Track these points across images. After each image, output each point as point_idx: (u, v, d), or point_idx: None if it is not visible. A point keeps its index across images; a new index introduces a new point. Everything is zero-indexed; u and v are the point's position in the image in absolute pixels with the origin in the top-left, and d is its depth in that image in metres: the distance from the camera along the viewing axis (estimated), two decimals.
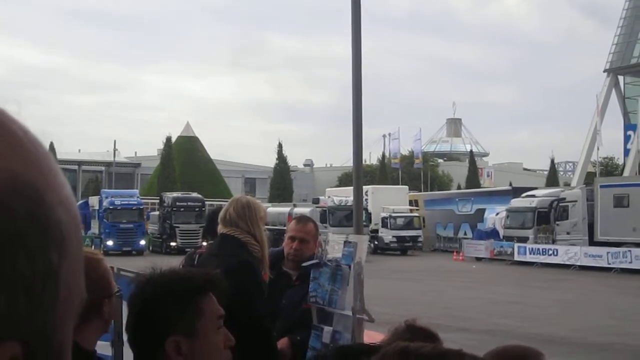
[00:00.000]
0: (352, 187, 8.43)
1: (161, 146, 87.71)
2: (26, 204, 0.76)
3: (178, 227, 58.98)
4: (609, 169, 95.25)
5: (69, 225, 0.81)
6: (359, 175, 8.24)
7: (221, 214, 5.88)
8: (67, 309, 0.81)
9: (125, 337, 8.15)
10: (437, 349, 1.31)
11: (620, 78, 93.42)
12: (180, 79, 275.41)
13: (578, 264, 44.58)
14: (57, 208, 0.79)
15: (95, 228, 61.37)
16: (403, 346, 1.31)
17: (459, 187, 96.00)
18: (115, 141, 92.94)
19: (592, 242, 47.49)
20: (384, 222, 60.59)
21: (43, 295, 0.77)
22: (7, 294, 0.74)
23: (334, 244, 6.90)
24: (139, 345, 2.77)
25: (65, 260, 0.80)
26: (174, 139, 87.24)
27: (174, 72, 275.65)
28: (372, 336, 6.63)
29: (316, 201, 61.32)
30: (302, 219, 7.06)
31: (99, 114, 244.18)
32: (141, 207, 61.52)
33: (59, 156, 71.93)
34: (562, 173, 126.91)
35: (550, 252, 47.56)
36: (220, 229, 5.86)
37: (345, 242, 6.74)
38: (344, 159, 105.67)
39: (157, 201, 65.90)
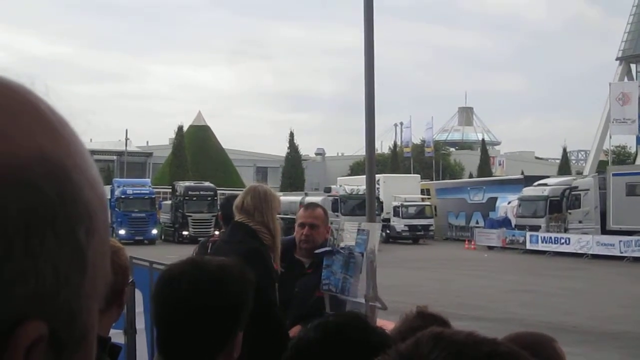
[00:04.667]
0: (363, 176, 8.44)
1: (173, 135, 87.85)
2: (54, 183, 0.76)
3: (190, 216, 59.04)
4: (622, 157, 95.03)
5: (96, 206, 0.81)
6: (372, 163, 8.25)
7: (237, 201, 5.88)
8: (93, 290, 0.82)
9: (138, 325, 8.15)
10: (472, 336, 1.31)
11: (633, 66, 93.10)
12: (190, 69, 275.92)
13: (590, 252, 44.47)
14: (85, 188, 0.80)
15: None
16: (438, 332, 1.31)
17: (470, 176, 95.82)
18: (126, 130, 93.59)
19: (605, 231, 47.31)
20: (396, 211, 60.58)
21: (70, 275, 0.77)
22: (35, 273, 0.74)
23: (347, 232, 6.91)
24: None
25: (92, 240, 0.80)
26: (185, 129, 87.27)
27: (183, 62, 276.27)
28: (384, 324, 6.64)
29: (328, 190, 61.31)
30: (310, 205, 7.07)
31: (109, 104, 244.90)
32: (153, 196, 61.63)
33: None
34: (574, 162, 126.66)
35: (563, 240, 47.45)
36: (235, 216, 5.88)
37: (358, 230, 6.75)
38: (356, 148, 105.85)
39: (169, 190, 65.96)
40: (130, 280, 3.95)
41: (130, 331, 7.82)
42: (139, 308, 7.86)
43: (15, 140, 0.75)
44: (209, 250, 6.56)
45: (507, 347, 1.30)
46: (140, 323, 7.96)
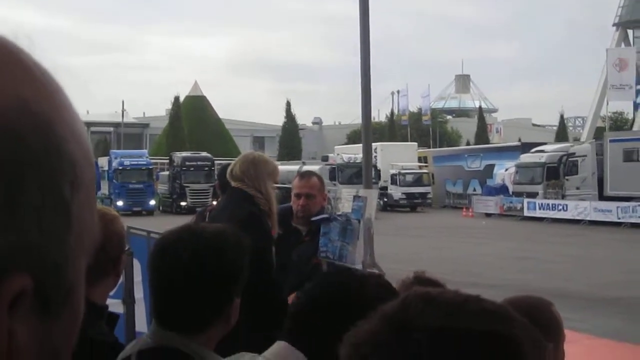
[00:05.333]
0: (361, 145, 8.45)
1: (169, 106, 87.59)
2: (38, 134, 0.75)
3: (188, 186, 59.07)
4: (619, 123, 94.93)
5: (81, 160, 0.80)
6: (368, 132, 8.25)
7: (229, 169, 5.92)
8: (79, 245, 0.80)
9: (136, 295, 8.17)
10: (459, 294, 1.31)
11: (630, 32, 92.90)
12: (187, 39, 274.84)
13: (588, 219, 44.60)
14: (69, 140, 0.78)
15: (105, 188, 61.48)
16: (425, 291, 1.31)
17: (468, 143, 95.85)
18: (123, 102, 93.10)
19: (602, 197, 47.38)
20: (393, 179, 60.68)
21: (54, 228, 0.76)
22: (17, 225, 0.73)
23: (344, 200, 6.91)
24: None
25: (77, 194, 0.79)
26: (182, 99, 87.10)
27: (180, 32, 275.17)
28: None
29: (325, 159, 61.41)
30: (305, 174, 7.04)
31: (106, 75, 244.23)
32: (150, 167, 61.67)
33: None
34: (571, 128, 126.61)
35: (560, 207, 47.55)
36: (230, 182, 5.89)
37: (354, 196, 6.75)
38: (353, 117, 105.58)
39: (167, 161, 65.95)
40: (127, 249, 3.95)
41: (128, 300, 7.83)
42: (137, 277, 7.87)
43: None
44: (206, 220, 6.57)
45: (492, 303, 1.30)
46: (139, 292, 7.97)
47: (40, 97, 0.77)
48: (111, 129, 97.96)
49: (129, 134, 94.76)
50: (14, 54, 0.77)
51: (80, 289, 0.83)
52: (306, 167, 51.06)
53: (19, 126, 0.73)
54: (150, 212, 57.68)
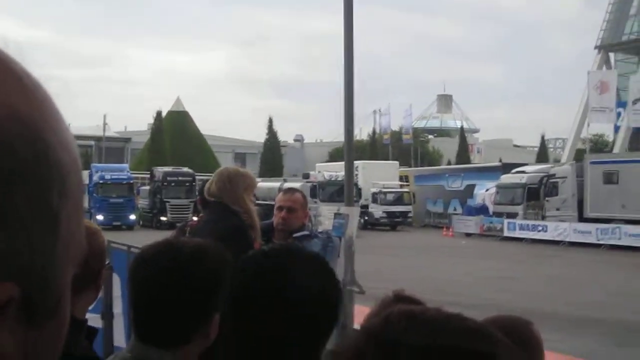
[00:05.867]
0: (342, 163, 8.46)
1: (151, 121, 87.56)
2: (27, 143, 0.74)
3: (169, 201, 58.95)
4: (599, 145, 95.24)
5: (70, 168, 0.79)
6: (350, 150, 8.26)
7: (206, 186, 5.93)
8: (67, 255, 0.80)
9: (115, 309, 8.14)
10: (441, 312, 1.33)
11: (612, 55, 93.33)
12: (170, 54, 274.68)
13: (567, 240, 44.72)
14: (58, 150, 0.77)
15: (85, 202, 60.98)
16: (408, 309, 1.32)
17: (449, 163, 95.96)
18: (105, 115, 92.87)
19: (582, 219, 47.62)
20: (374, 198, 60.73)
21: (41, 237, 0.75)
22: (5, 233, 0.72)
23: (324, 217, 6.92)
24: None
25: (65, 204, 0.78)
26: (164, 114, 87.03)
27: (163, 47, 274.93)
28: (362, 310, 6.65)
29: (306, 176, 61.29)
30: (289, 190, 7.09)
31: (88, 89, 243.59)
32: (131, 181, 61.52)
33: None
34: (552, 149, 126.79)
35: (540, 228, 47.68)
36: (208, 198, 5.90)
37: (335, 214, 6.76)
38: (335, 135, 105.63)
39: (148, 176, 65.83)
40: (107, 263, 3.94)
41: (107, 315, 7.82)
42: (117, 292, 7.85)
43: None
44: (187, 234, 6.56)
45: (473, 322, 1.32)
46: (118, 307, 7.95)
47: (30, 106, 0.76)
48: (92, 142, 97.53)
49: (111, 147, 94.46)
50: (4, 62, 0.77)
51: (66, 299, 0.82)
52: (287, 184, 51.02)
53: (8, 135, 0.72)
54: (130, 226, 57.40)
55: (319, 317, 2.24)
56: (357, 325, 6.46)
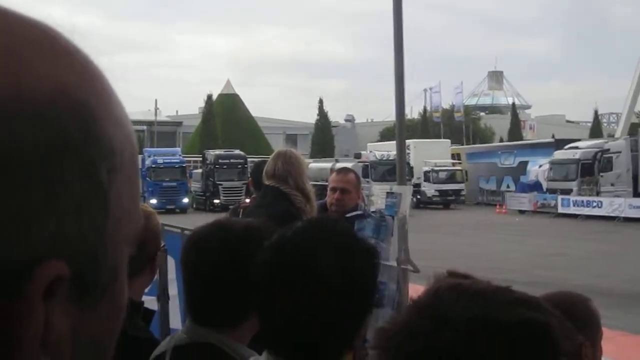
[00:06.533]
0: (393, 142, 8.43)
1: (202, 104, 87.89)
2: (75, 119, 0.74)
3: (221, 184, 59.31)
4: None
5: (122, 144, 0.79)
6: (402, 128, 8.21)
7: (268, 167, 5.90)
8: (119, 233, 0.79)
9: (170, 292, 8.21)
10: (490, 285, 1.32)
11: None
12: (218, 37, 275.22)
13: (623, 215, 44.28)
14: (110, 126, 0.77)
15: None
16: (457, 282, 1.32)
17: (501, 140, 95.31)
18: (156, 100, 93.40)
19: (637, 194, 47.08)
20: (427, 176, 60.59)
21: (91, 215, 0.75)
22: (53, 210, 0.71)
23: (377, 197, 6.90)
24: None
25: (115, 179, 0.77)
26: (214, 97, 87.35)
27: (209, 31, 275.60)
28: (416, 288, 6.64)
29: (358, 156, 61.34)
30: (342, 170, 7.08)
31: (139, 74, 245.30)
32: (184, 165, 61.97)
33: None
34: (605, 124, 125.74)
35: (595, 204, 47.27)
36: (265, 182, 5.89)
37: (387, 193, 6.74)
38: (386, 114, 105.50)
39: (200, 159, 66.27)
40: (162, 246, 3.96)
41: (163, 297, 7.87)
42: (171, 274, 7.90)
43: (38, 73, 0.72)
44: (240, 216, 6.58)
45: (522, 294, 1.31)
46: (173, 289, 8.00)
47: (80, 82, 0.76)
48: (144, 127, 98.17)
49: (162, 132, 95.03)
50: (56, 39, 0.77)
51: (121, 278, 0.81)
52: (339, 165, 51.10)
53: (58, 112, 0.72)
54: (183, 209, 57.89)
55: (352, 295, 2.17)
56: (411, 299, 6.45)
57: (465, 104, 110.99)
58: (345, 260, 2.20)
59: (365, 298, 2.25)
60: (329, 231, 2.30)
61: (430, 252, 23.14)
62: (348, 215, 6.56)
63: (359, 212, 6.61)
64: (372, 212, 6.64)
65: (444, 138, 79.30)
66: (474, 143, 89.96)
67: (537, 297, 1.34)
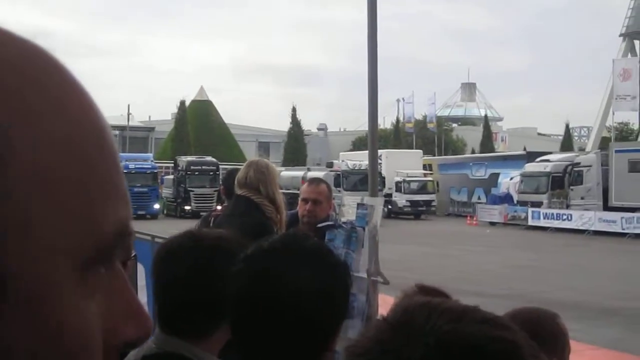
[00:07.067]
0: (366, 152, 8.45)
1: (175, 110, 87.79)
2: None
3: (192, 190, 59.15)
4: (624, 134, 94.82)
5: (55, 163, 0.72)
6: (374, 138, 8.23)
7: (239, 175, 5.91)
8: (41, 246, 0.71)
9: (140, 299, 8.25)
10: (457, 305, 1.34)
11: (636, 42, 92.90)
12: (193, 43, 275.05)
13: (592, 229, 44.54)
14: (30, 143, 0.71)
15: None
16: (425, 301, 1.33)
17: (473, 152, 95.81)
18: (129, 105, 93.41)
19: (607, 207, 47.39)
20: (398, 186, 60.69)
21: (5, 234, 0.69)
22: None
23: (348, 207, 6.92)
24: None
25: (40, 200, 0.71)
26: (187, 103, 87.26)
27: (186, 36, 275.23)
28: (386, 299, 6.65)
29: (330, 165, 61.38)
30: (314, 181, 7.08)
31: (111, 79, 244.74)
32: (155, 170, 61.76)
33: None
34: (576, 138, 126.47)
35: (565, 217, 47.51)
36: (236, 190, 5.89)
37: (358, 204, 6.76)
38: (358, 124, 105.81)
39: (172, 165, 66.14)
40: (133, 255, 3.94)
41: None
42: (141, 282, 7.87)
43: None
44: (210, 225, 6.57)
45: (490, 314, 1.33)
46: (142, 297, 7.97)
47: None
48: (117, 132, 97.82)
49: (135, 137, 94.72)
50: None
51: (52, 294, 0.73)
52: (311, 174, 51.13)
53: None
54: (154, 215, 57.64)
55: (323, 315, 2.20)
56: (381, 316, 6.47)
57: (438, 114, 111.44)
58: (319, 273, 2.23)
59: (337, 310, 2.27)
60: (302, 246, 2.32)
61: (401, 262, 23.19)
62: (319, 225, 6.57)
63: (330, 223, 6.61)
64: (343, 223, 6.65)
65: (416, 148, 79.53)
66: (446, 154, 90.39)
67: (504, 317, 1.36)
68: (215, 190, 54.00)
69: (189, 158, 63.58)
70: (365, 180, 8.60)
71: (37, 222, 0.71)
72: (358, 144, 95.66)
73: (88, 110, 0.78)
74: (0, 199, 0.69)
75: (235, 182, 5.93)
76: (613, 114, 73.21)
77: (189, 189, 59.42)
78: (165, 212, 61.48)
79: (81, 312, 0.75)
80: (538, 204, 50.72)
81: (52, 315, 0.73)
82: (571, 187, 50.25)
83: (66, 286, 0.73)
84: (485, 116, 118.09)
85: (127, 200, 0.83)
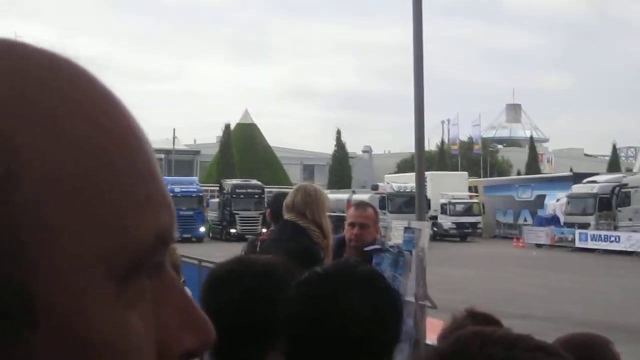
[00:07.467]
0: (410, 174, 8.47)
1: (220, 133, 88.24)
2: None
3: (238, 213, 59.39)
4: None
5: (69, 167, 0.68)
6: (421, 161, 8.23)
7: (287, 200, 5.91)
8: (67, 266, 0.67)
9: None
10: (510, 333, 1.32)
11: None
12: (236, 67, 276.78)
13: None
14: (38, 151, 0.67)
15: None
16: (477, 330, 1.32)
17: (518, 173, 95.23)
18: (174, 129, 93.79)
19: None
20: (444, 209, 60.53)
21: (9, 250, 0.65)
22: None
23: (394, 230, 6.89)
24: None
25: (59, 210, 0.67)
26: (232, 127, 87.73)
27: (229, 60, 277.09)
28: (434, 323, 6.61)
29: (375, 187, 61.40)
30: (361, 205, 7.07)
31: (157, 103, 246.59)
32: (201, 194, 62.07)
33: None
34: (624, 158, 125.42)
35: (612, 238, 47.05)
36: (284, 214, 5.89)
37: (405, 228, 6.73)
38: (403, 145, 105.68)
39: (217, 188, 66.48)
40: (182, 281, 3.95)
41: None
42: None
43: None
44: (257, 249, 6.58)
45: (542, 342, 1.31)
46: None
47: None
48: (162, 155, 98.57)
49: (180, 160, 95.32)
50: None
51: (84, 307, 0.68)
52: (356, 196, 51.19)
53: None
54: (200, 239, 57.86)
55: (375, 338, 2.23)
56: (429, 340, 6.44)
57: (483, 136, 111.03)
58: (370, 297, 2.27)
59: (389, 334, 2.31)
60: (354, 271, 2.37)
61: (447, 285, 23.08)
62: (366, 249, 6.56)
63: (377, 247, 6.60)
64: (390, 246, 6.63)
65: (461, 170, 79.32)
66: (491, 176, 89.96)
67: (556, 342, 1.35)
68: (260, 213, 54.21)
69: (234, 181, 63.88)
70: (411, 203, 8.60)
71: (59, 233, 0.67)
72: (403, 166, 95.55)
73: (112, 113, 0.74)
74: (18, 213, 0.65)
75: (284, 206, 5.94)
76: None
77: (235, 212, 59.65)
78: (210, 235, 61.80)
79: (120, 325, 0.70)
80: (585, 226, 50.31)
81: (87, 332, 0.68)
82: (619, 209, 49.79)
83: (99, 299, 0.69)
84: (531, 137, 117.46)
85: (168, 205, 0.79)
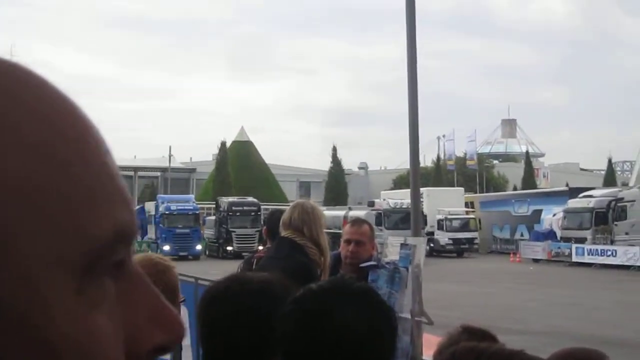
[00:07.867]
0: (406, 190, 8.47)
1: (216, 151, 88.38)
2: None
3: (234, 231, 59.34)
4: None
5: (22, 170, 0.68)
6: (416, 177, 8.22)
7: (284, 217, 5.91)
8: (25, 265, 0.67)
9: (183, 341, 8.21)
10: (503, 349, 1.33)
11: None
12: (233, 84, 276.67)
13: (638, 264, 44.05)
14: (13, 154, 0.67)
15: (151, 233, 62.05)
16: (472, 345, 1.33)
17: (514, 188, 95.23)
18: (170, 147, 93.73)
19: None
20: (440, 224, 60.56)
21: None
22: None
23: (390, 246, 6.90)
24: None
25: (14, 212, 0.67)
26: (228, 144, 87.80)
27: (226, 77, 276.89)
28: (430, 339, 6.60)
29: (371, 204, 61.41)
30: (357, 222, 7.07)
31: (152, 121, 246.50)
32: (197, 212, 62.02)
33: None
34: (619, 173, 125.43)
35: (609, 252, 47.07)
36: (281, 231, 5.89)
37: (401, 244, 6.73)
38: (399, 162, 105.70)
39: (213, 206, 66.47)
40: (182, 300, 3.95)
41: (177, 347, 7.86)
42: (185, 324, 7.89)
43: None
44: (253, 267, 6.57)
45: (536, 357, 1.32)
46: (186, 339, 7.98)
47: None
48: (158, 173, 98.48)
49: (176, 178, 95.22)
50: None
51: (38, 306, 0.68)
52: (352, 213, 51.15)
53: None
54: (196, 256, 57.83)
55: (370, 354, 2.25)
56: (426, 357, 6.42)
57: (479, 152, 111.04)
58: (365, 313, 2.28)
59: (385, 350, 2.31)
60: (350, 288, 2.38)
61: (443, 301, 23.08)
62: (362, 265, 6.55)
63: (372, 263, 6.60)
64: (386, 263, 6.63)
65: (457, 186, 79.33)
66: (487, 191, 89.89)
67: (552, 358, 1.35)
68: (257, 231, 54.21)
69: (231, 199, 63.88)
70: (407, 219, 8.61)
71: (14, 233, 0.67)
72: (399, 182, 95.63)
73: (65, 115, 0.73)
74: None
75: (280, 223, 5.93)
76: None
77: (231, 229, 59.62)
78: (207, 252, 61.74)
79: (82, 322, 0.70)
80: (582, 240, 50.36)
81: (48, 330, 0.68)
82: (615, 223, 49.82)
83: (59, 297, 0.69)
84: (527, 152, 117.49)
85: (127, 202, 0.76)
